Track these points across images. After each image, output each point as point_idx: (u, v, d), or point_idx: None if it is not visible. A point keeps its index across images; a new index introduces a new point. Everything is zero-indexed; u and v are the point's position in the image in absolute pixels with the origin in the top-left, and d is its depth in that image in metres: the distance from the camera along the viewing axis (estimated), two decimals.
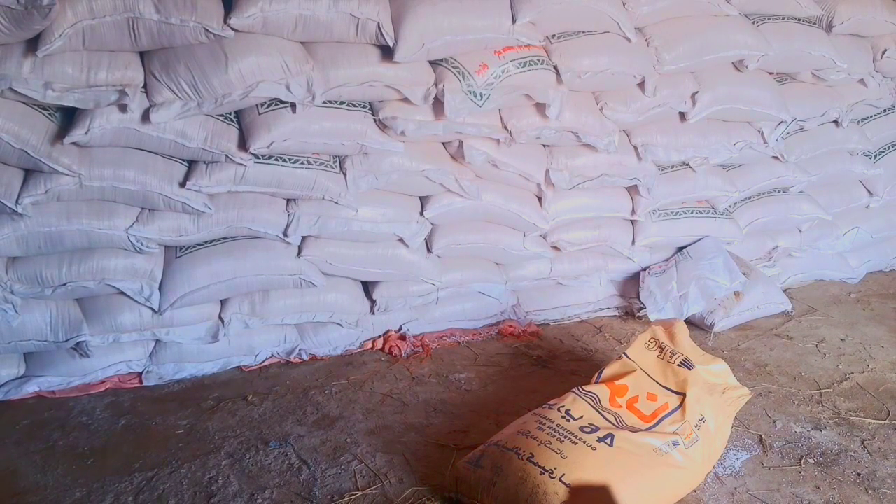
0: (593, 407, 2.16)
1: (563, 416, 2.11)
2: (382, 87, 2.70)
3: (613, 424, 2.12)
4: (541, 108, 2.90)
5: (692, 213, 3.40)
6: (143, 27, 2.39)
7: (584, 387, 2.25)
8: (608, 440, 2.02)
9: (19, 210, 2.44)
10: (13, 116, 2.37)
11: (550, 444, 2.00)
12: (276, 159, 2.69)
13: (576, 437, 2.03)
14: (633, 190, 3.26)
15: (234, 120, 2.65)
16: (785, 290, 3.54)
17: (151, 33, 2.41)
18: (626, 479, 1.95)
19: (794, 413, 2.58)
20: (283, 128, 2.61)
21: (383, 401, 2.68)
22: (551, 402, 2.22)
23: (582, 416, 2.11)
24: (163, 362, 2.83)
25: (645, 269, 3.41)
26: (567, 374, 2.82)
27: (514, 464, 1.99)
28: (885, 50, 3.52)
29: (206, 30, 2.43)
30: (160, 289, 2.71)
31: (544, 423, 2.08)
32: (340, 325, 3.00)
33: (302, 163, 2.72)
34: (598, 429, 2.07)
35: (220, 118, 2.62)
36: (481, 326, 3.24)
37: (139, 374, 2.81)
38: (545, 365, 2.96)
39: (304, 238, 2.85)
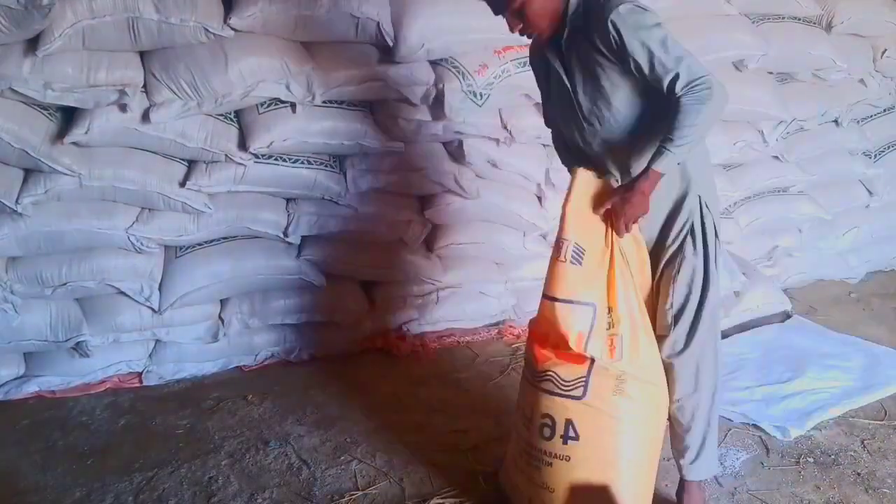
0: (532, 384, 1.94)
1: (524, 423, 1.96)
2: (382, 87, 2.70)
3: (561, 393, 1.86)
4: (541, 107, 2.89)
5: None
6: (143, 27, 2.39)
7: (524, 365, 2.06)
8: (571, 432, 1.86)
9: (19, 210, 2.44)
10: (13, 116, 2.37)
11: (533, 478, 1.92)
12: (276, 159, 2.69)
13: (544, 452, 1.89)
14: None
15: (234, 120, 2.65)
16: (785, 290, 3.53)
17: (151, 33, 2.41)
18: (609, 462, 1.88)
19: None
20: (283, 128, 2.61)
21: (383, 401, 2.68)
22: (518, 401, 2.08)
23: (533, 412, 1.93)
24: (163, 362, 2.83)
25: None
26: None
27: None
28: (885, 50, 3.51)
29: (206, 30, 2.43)
30: (160, 289, 2.71)
31: (522, 446, 1.97)
32: (340, 325, 3.00)
33: (302, 163, 2.73)
34: (554, 423, 1.88)
35: (220, 118, 2.62)
36: (481, 326, 3.24)
37: (139, 374, 2.81)
38: None
39: (304, 238, 2.85)
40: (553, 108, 2.01)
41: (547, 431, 1.89)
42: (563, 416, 1.87)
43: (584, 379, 1.85)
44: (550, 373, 1.88)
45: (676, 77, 1.66)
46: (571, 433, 1.86)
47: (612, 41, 1.69)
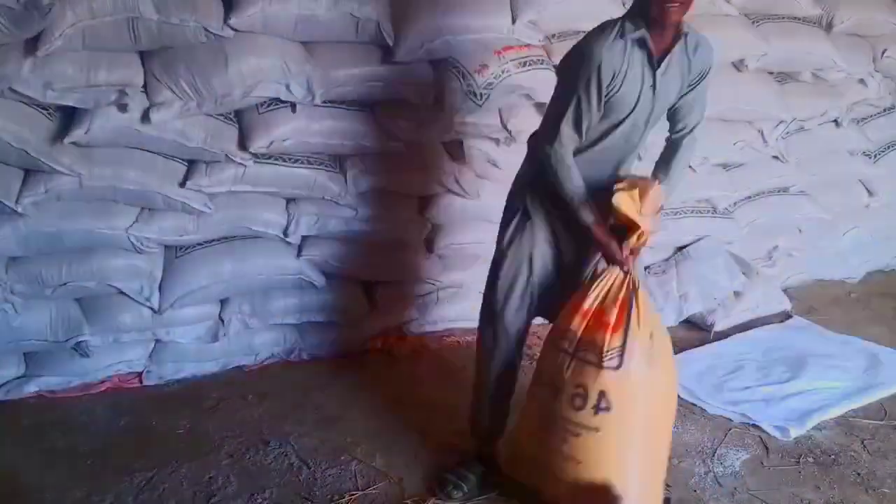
0: (568, 353, 1.94)
1: (551, 394, 1.96)
2: (382, 87, 2.70)
3: (596, 363, 1.89)
4: (541, 107, 2.88)
5: (692, 212, 3.40)
6: (143, 27, 2.39)
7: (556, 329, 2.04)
8: (603, 404, 1.88)
9: (19, 210, 2.44)
10: (13, 116, 2.36)
11: (560, 450, 1.93)
12: (276, 159, 2.69)
13: (573, 423, 1.90)
14: None
15: (234, 120, 2.65)
16: (785, 290, 3.54)
17: (151, 33, 2.41)
18: (636, 432, 1.92)
19: None
20: (283, 128, 2.61)
21: (383, 401, 2.68)
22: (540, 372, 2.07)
23: (565, 382, 1.93)
24: (163, 362, 2.83)
25: (645, 269, 3.41)
26: None
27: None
28: (885, 50, 3.52)
29: (206, 30, 2.43)
30: (160, 289, 2.70)
31: (546, 417, 1.98)
32: (340, 324, 3.00)
33: (302, 163, 2.72)
34: (587, 393, 1.89)
35: (220, 118, 2.62)
36: None
37: (139, 374, 2.81)
38: None
39: (304, 238, 2.85)
40: (607, 117, 2.00)
41: (578, 402, 1.91)
42: (598, 387, 1.89)
43: (620, 349, 1.89)
44: (587, 342, 1.91)
45: (698, 124, 2.12)
46: (604, 404, 1.88)
47: (697, 80, 2.06)
